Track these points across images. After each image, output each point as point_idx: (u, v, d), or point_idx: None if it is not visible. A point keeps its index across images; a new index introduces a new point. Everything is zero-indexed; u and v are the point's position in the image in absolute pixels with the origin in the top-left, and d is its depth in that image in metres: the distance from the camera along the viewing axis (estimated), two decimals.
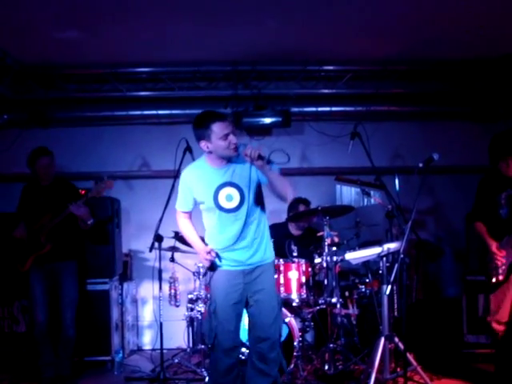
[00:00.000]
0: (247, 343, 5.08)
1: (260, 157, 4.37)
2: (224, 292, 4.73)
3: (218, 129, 4.54)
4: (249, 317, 4.80)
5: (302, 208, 7.39)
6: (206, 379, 6.12)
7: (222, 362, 4.68)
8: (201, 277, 6.82)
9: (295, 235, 7.40)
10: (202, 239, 4.93)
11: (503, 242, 5.48)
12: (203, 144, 4.60)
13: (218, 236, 4.76)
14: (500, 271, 5.47)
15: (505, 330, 5.52)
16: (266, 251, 4.79)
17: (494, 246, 5.51)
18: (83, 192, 6.52)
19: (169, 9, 5.98)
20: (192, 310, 6.91)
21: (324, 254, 6.43)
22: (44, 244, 6.25)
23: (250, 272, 4.71)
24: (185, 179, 4.82)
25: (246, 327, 4.93)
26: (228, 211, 4.69)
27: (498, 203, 5.60)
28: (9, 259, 6.54)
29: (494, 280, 5.53)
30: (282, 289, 6.33)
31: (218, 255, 4.73)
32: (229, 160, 4.68)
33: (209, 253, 4.68)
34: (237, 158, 4.64)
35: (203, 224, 4.91)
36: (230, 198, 4.68)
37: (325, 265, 6.43)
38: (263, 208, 4.83)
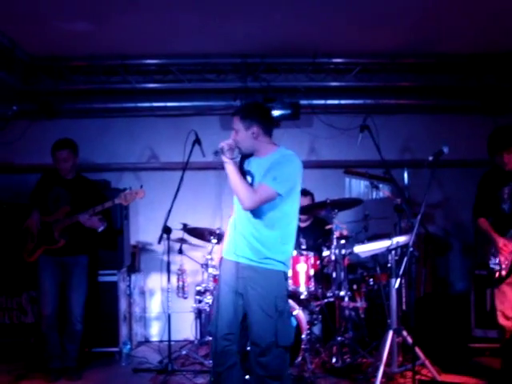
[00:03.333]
0: None
1: (220, 150, 4.51)
2: (223, 280, 4.70)
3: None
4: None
5: (302, 200, 7.39)
6: None
7: (219, 345, 4.58)
8: (209, 269, 6.83)
9: (302, 227, 7.40)
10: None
11: (507, 237, 5.48)
12: None
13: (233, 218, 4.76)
14: (503, 266, 5.48)
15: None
16: (263, 255, 4.53)
17: (501, 241, 5.51)
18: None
19: (178, 0, 5.97)
20: (200, 301, 6.92)
21: (332, 246, 6.44)
22: (57, 239, 6.25)
23: (243, 268, 4.55)
24: None
25: None
26: None
27: (499, 198, 5.60)
28: (17, 250, 6.52)
29: (496, 275, 5.53)
30: (290, 281, 6.33)
31: None
32: (264, 154, 4.66)
33: None
34: (273, 154, 4.62)
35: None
36: None
37: (333, 258, 6.43)
38: (281, 215, 4.58)
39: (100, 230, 6.30)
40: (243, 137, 4.61)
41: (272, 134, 4.72)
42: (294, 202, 4.63)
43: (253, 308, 4.51)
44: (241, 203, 4.49)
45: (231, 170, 4.48)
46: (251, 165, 4.71)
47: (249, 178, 4.64)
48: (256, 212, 4.53)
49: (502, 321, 5.59)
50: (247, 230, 4.59)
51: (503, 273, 5.50)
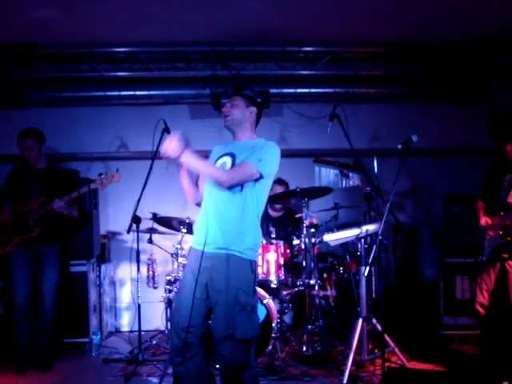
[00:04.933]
0: None
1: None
2: (186, 270, 4.67)
3: None
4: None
5: (278, 189, 7.38)
6: None
7: (172, 340, 4.54)
8: (179, 258, 6.81)
9: (274, 217, 7.43)
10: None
11: (494, 221, 5.51)
12: None
13: (201, 207, 4.65)
14: (485, 252, 5.50)
15: (486, 314, 5.56)
16: (236, 241, 4.45)
17: (483, 220, 5.53)
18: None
19: None
20: (170, 291, 6.88)
21: (302, 235, 6.45)
22: (32, 228, 6.21)
23: (208, 258, 4.45)
24: None
25: None
26: None
27: (501, 184, 5.59)
28: None
29: (479, 260, 5.56)
30: (260, 270, 6.34)
31: None
32: (244, 138, 4.73)
33: None
34: (254, 141, 4.67)
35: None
36: (224, 165, 4.60)
37: (303, 246, 6.44)
38: (253, 197, 4.52)
39: (74, 215, 6.29)
40: (240, 111, 4.70)
41: (257, 125, 4.83)
42: (267, 189, 4.62)
43: (214, 297, 4.44)
44: (219, 183, 4.42)
45: (191, 160, 4.35)
46: (230, 147, 4.72)
47: (228, 159, 4.61)
48: (227, 196, 4.47)
49: (478, 307, 5.62)
50: (214, 216, 4.50)
51: (484, 259, 5.52)
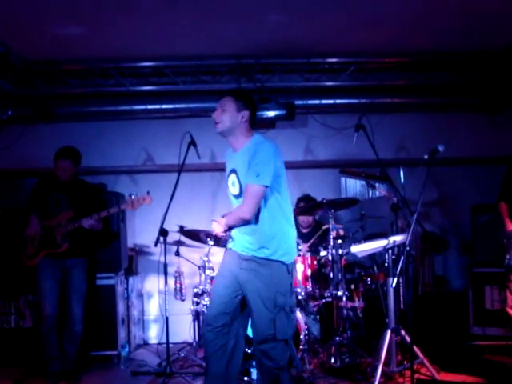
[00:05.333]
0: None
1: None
2: (221, 267, 4.78)
3: None
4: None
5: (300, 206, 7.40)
6: None
7: (205, 334, 4.65)
8: (206, 271, 6.82)
9: (303, 233, 7.41)
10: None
11: None
12: None
13: None
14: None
15: None
16: (268, 247, 4.52)
17: (510, 226, 5.49)
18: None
19: (172, 2, 5.96)
20: (198, 303, 6.91)
21: (329, 247, 6.43)
22: (60, 244, 6.24)
23: (245, 260, 4.59)
24: None
25: None
26: (235, 197, 4.71)
27: None
28: (14, 254, 6.52)
29: (505, 263, 5.53)
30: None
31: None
32: (240, 145, 4.69)
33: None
34: (248, 146, 4.63)
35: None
36: (233, 184, 4.69)
37: (330, 258, 6.43)
38: (269, 205, 4.56)
39: (99, 228, 6.35)
40: (230, 117, 4.63)
41: (253, 126, 4.77)
42: (280, 192, 4.61)
43: (252, 300, 4.52)
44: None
45: (228, 224, 4.67)
46: (231, 161, 4.76)
47: (234, 177, 4.67)
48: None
49: (509, 310, 5.59)
50: (242, 228, 4.64)
51: (511, 262, 5.50)
